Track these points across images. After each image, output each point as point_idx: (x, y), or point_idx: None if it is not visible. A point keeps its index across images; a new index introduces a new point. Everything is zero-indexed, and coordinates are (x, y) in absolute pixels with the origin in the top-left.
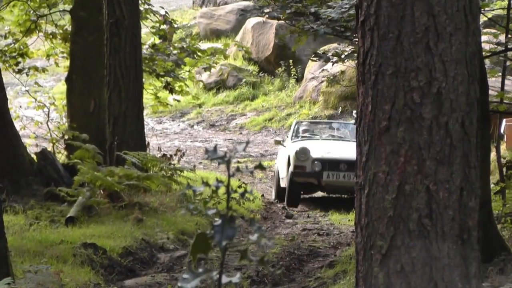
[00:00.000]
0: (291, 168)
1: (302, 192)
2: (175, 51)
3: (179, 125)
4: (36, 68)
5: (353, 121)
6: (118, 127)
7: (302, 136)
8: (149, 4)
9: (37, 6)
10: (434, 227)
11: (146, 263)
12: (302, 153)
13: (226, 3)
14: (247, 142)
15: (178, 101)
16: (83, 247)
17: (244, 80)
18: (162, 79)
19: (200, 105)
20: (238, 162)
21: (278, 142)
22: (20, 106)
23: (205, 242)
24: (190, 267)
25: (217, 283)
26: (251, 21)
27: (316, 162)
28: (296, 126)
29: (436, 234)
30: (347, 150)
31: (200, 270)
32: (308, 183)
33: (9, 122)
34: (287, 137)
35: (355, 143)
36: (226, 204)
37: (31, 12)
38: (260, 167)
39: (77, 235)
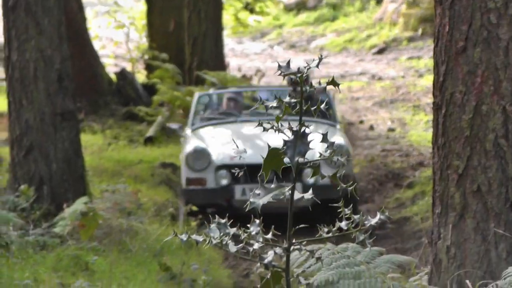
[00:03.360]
0: (182, 182)
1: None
2: None
3: (259, 45)
4: None
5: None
6: (197, 47)
7: (208, 119)
8: None
9: None
10: (510, 148)
11: None
12: (198, 159)
13: None
14: (321, 58)
15: (259, 21)
16: (162, 166)
17: (325, 1)
18: (242, 0)
19: (280, 26)
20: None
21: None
22: (99, 26)
23: (278, 157)
24: (262, 183)
25: (290, 199)
26: None
27: (221, 171)
28: (199, 101)
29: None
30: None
31: (272, 185)
32: (212, 205)
33: (87, 42)
34: (189, 118)
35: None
36: (299, 120)
37: None
38: (333, 83)
39: (156, 154)
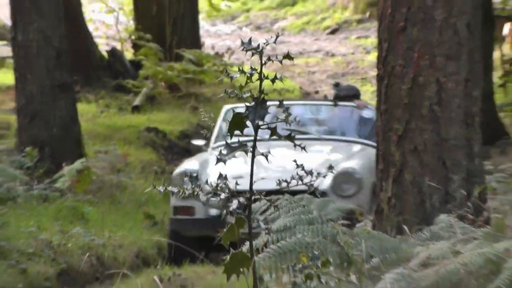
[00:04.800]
0: (171, 211)
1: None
2: None
3: (230, 27)
4: None
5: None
6: (176, 28)
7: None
8: None
9: None
10: (443, 113)
11: None
12: (185, 183)
13: None
14: (277, 35)
15: (229, 6)
16: (146, 131)
17: None
18: None
19: (248, 10)
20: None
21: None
22: (93, 11)
23: (241, 120)
24: (227, 143)
25: (251, 158)
26: None
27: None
28: (226, 116)
29: (445, 119)
30: (285, 165)
31: (236, 144)
32: (201, 237)
33: (82, 23)
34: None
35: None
36: (259, 88)
37: None
38: (288, 57)
39: (141, 120)
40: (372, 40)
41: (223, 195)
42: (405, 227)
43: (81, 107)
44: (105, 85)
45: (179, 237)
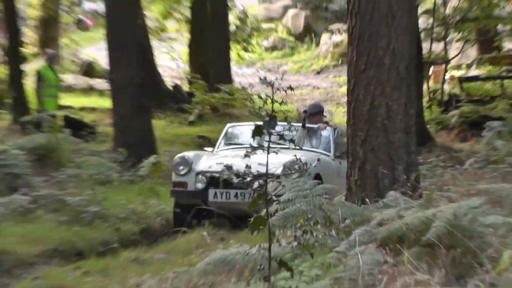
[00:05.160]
0: (171, 185)
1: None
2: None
3: (250, 70)
4: (171, 38)
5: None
6: (216, 70)
7: (229, 144)
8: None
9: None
10: (390, 125)
11: None
12: (181, 165)
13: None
14: (282, 75)
15: (250, 57)
16: (198, 137)
17: (287, 44)
18: (241, 44)
19: (262, 59)
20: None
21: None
22: (162, 60)
23: (260, 130)
24: (251, 145)
25: (267, 153)
26: (290, 11)
27: (199, 176)
28: (226, 130)
29: (391, 129)
30: (256, 158)
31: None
32: (194, 205)
33: (154, 68)
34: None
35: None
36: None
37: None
38: (290, 88)
39: (194, 131)
40: (343, 78)
41: (248, 178)
42: (366, 199)
43: (155, 122)
44: (170, 108)
45: (176, 205)
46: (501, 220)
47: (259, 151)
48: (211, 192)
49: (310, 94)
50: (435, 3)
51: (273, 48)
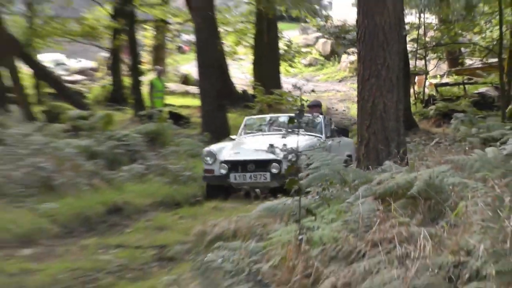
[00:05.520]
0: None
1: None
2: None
3: (294, 79)
4: (240, 58)
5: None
6: (270, 79)
7: (248, 132)
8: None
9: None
10: (386, 116)
11: None
12: (208, 156)
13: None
14: (312, 90)
15: (293, 70)
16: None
17: (318, 62)
18: (287, 62)
19: (302, 72)
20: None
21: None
22: (234, 73)
23: (293, 120)
24: (285, 130)
25: (297, 137)
26: (321, 40)
27: (223, 164)
28: (245, 122)
29: (387, 119)
30: (265, 147)
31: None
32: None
33: (229, 78)
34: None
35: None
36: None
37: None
38: (313, 91)
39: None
40: (356, 84)
41: (286, 153)
42: (370, 167)
43: (229, 115)
44: (240, 105)
45: (208, 185)
46: (458, 181)
47: (257, 136)
48: (232, 175)
49: (334, 95)
50: (418, 34)
51: (309, 64)
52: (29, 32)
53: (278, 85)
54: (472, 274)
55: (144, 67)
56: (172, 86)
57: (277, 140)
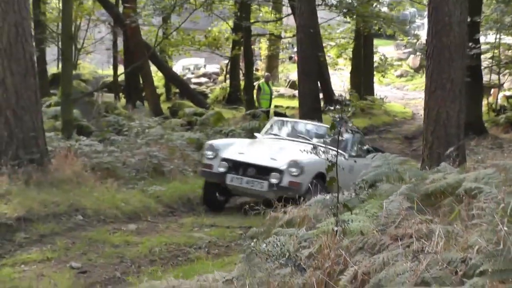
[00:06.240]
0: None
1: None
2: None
3: (386, 88)
4: (340, 69)
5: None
6: (365, 88)
7: (270, 133)
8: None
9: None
10: (448, 123)
11: None
12: (210, 150)
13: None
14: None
15: (387, 80)
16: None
17: (409, 74)
18: (381, 73)
19: (393, 82)
20: None
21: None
22: (335, 81)
23: (334, 125)
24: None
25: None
26: (412, 56)
27: (223, 162)
28: (272, 123)
29: (449, 126)
30: (278, 153)
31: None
32: (217, 184)
33: (329, 85)
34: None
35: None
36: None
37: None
38: (385, 97)
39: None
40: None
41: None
42: (427, 167)
43: (326, 117)
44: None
45: (205, 182)
46: (475, 185)
47: (258, 143)
48: (228, 176)
49: (420, 103)
50: (493, 52)
51: (400, 75)
52: (163, 41)
53: (371, 92)
54: (475, 270)
55: (258, 73)
56: (281, 90)
57: (297, 148)
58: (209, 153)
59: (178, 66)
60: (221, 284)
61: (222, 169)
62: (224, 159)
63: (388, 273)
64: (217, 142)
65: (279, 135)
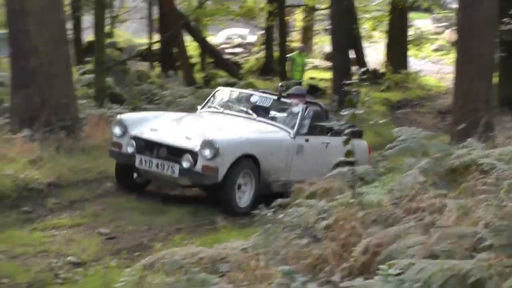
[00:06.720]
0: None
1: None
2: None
3: (422, 61)
4: (375, 42)
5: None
6: (399, 61)
7: (210, 106)
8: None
9: None
10: (477, 98)
11: None
12: (117, 126)
13: None
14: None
15: (423, 53)
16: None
17: (445, 48)
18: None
19: (429, 55)
20: None
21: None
22: (369, 54)
23: (351, 101)
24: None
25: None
26: (448, 30)
27: (131, 140)
28: (214, 93)
29: (478, 100)
30: (198, 131)
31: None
32: (124, 164)
33: (363, 57)
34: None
35: (257, 123)
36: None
37: None
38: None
39: (384, 95)
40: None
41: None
42: (452, 142)
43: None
44: (370, 81)
45: (116, 163)
46: (488, 161)
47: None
48: (138, 157)
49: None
50: None
51: (437, 49)
52: (197, 11)
53: (405, 66)
54: (485, 244)
55: (293, 44)
56: (316, 62)
57: (235, 123)
58: (117, 130)
59: (221, 36)
60: (238, 252)
61: (131, 149)
62: (133, 137)
63: (399, 245)
64: (127, 116)
65: (218, 109)
